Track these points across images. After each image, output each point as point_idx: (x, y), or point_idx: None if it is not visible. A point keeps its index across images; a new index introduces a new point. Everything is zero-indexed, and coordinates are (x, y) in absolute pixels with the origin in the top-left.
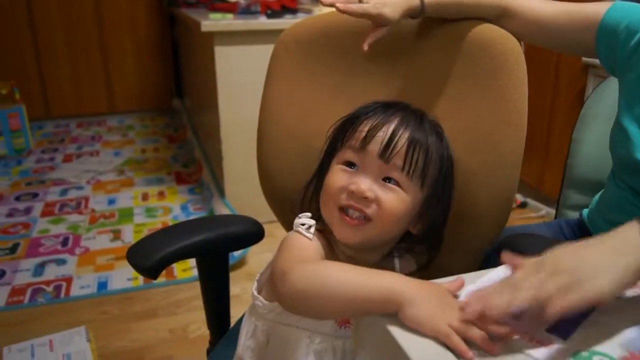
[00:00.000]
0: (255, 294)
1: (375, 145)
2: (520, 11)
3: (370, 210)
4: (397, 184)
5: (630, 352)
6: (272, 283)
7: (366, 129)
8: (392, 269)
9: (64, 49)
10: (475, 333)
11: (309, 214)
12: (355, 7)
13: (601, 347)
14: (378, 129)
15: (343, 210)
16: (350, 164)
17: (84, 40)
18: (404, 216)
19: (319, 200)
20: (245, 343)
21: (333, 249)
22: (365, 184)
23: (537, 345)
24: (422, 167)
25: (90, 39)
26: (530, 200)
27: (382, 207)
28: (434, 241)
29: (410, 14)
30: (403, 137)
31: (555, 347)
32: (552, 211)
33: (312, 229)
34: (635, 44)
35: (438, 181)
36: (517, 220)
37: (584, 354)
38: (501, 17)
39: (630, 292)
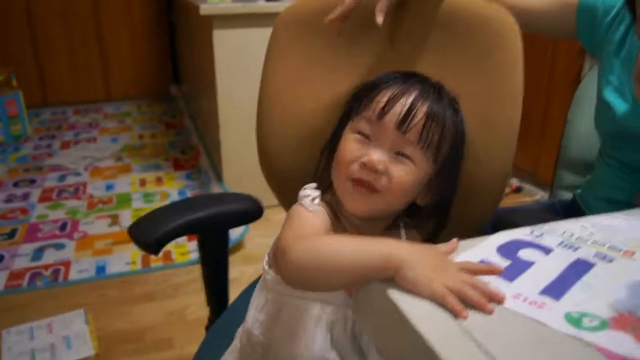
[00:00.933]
0: (266, 267)
1: (393, 117)
2: None
3: (379, 184)
4: (409, 157)
5: (619, 312)
6: (275, 260)
7: (384, 99)
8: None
9: (60, 36)
10: (471, 293)
11: (314, 185)
12: (346, 1)
13: (591, 308)
14: (396, 100)
15: (353, 181)
16: (364, 135)
17: (80, 26)
18: (412, 188)
19: (329, 169)
20: (255, 316)
21: (339, 219)
22: (378, 156)
23: (530, 306)
24: (437, 143)
25: (87, 25)
26: (525, 185)
27: (392, 181)
28: (441, 215)
29: None
30: (421, 111)
31: (547, 307)
32: (547, 195)
33: (317, 200)
34: (611, 19)
35: (450, 156)
36: (512, 204)
37: (574, 315)
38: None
39: (623, 260)
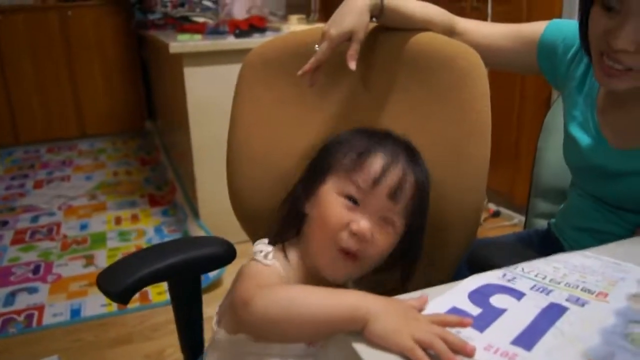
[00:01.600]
0: (216, 327)
1: (385, 188)
2: (465, 32)
3: (363, 252)
4: (392, 223)
5: None
6: (234, 313)
7: (378, 168)
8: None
9: (31, 74)
10: (440, 345)
11: (266, 240)
12: (319, 51)
13: (563, 359)
14: (389, 170)
15: (340, 250)
16: (352, 199)
17: (51, 64)
18: (389, 251)
19: (292, 220)
20: None
21: (294, 268)
22: (368, 225)
23: (501, 358)
24: (419, 206)
25: (58, 63)
26: (503, 209)
27: (375, 247)
28: (408, 267)
29: (372, 10)
30: (409, 182)
31: (519, 359)
32: (524, 219)
33: (270, 256)
34: (572, 55)
35: (421, 213)
36: (490, 229)
37: None
38: (449, 36)
39: (596, 303)
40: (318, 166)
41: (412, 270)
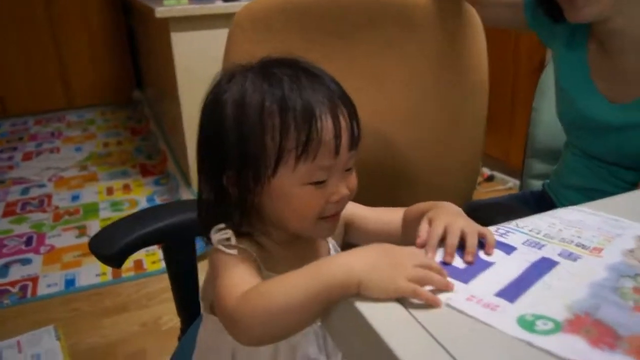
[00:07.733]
0: (205, 314)
1: (346, 145)
2: None
3: (344, 205)
4: (353, 166)
5: (576, 314)
6: (225, 327)
7: (331, 133)
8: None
9: (15, 46)
10: (435, 278)
11: (222, 225)
12: None
13: (546, 310)
14: (340, 124)
15: (325, 218)
16: (320, 182)
17: (36, 35)
18: None
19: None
20: None
21: (263, 245)
22: (343, 188)
23: (483, 308)
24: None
25: (43, 34)
26: (497, 173)
27: (351, 196)
28: None
29: None
30: (352, 113)
31: (500, 310)
32: (519, 182)
33: (233, 240)
34: None
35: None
36: (485, 193)
37: (528, 317)
38: None
39: (589, 258)
40: (252, 153)
41: None
